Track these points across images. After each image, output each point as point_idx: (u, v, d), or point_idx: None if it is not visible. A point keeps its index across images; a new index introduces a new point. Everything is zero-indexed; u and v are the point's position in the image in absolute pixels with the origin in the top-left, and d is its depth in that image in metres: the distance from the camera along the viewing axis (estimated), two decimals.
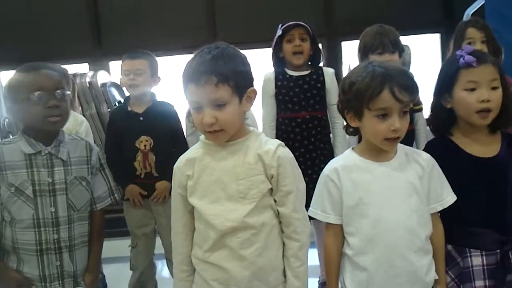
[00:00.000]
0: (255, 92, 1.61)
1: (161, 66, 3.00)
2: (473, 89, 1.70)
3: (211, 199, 1.60)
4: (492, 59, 1.76)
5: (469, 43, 2.73)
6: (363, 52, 2.67)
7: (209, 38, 4.74)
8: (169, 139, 2.82)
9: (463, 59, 1.71)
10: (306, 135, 2.79)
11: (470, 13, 4.41)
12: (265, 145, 1.62)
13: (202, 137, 1.66)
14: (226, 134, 1.58)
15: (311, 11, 4.81)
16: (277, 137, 2.81)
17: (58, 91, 1.93)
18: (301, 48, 2.80)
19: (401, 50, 2.72)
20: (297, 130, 2.79)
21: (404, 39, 4.24)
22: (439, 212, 1.71)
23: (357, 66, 1.68)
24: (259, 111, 2.92)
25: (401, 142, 1.76)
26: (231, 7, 4.83)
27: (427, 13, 4.75)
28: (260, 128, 2.84)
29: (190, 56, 1.58)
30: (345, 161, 1.70)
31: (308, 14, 4.75)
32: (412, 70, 3.70)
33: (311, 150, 2.79)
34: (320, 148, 2.79)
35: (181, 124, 2.93)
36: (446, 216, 1.74)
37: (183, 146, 2.56)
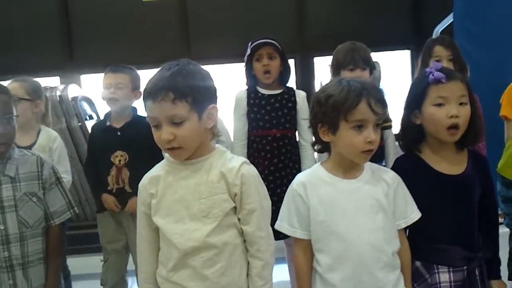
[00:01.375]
0: (216, 109, 1.61)
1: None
2: (442, 105, 1.72)
3: (174, 218, 1.59)
4: (460, 76, 1.80)
5: (437, 61, 2.76)
6: (335, 68, 2.71)
7: (183, 52, 4.74)
8: (146, 155, 2.78)
9: (433, 75, 1.74)
10: (277, 153, 2.80)
11: (440, 30, 4.51)
12: (229, 163, 1.61)
13: (167, 155, 1.65)
14: (185, 152, 1.57)
15: (284, 26, 4.86)
16: (248, 155, 2.83)
17: (6, 116, 1.90)
18: (269, 67, 2.81)
19: (372, 66, 2.76)
20: (267, 148, 2.80)
21: (375, 55, 4.34)
22: (406, 228, 1.72)
23: (330, 82, 1.70)
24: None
25: (371, 158, 1.77)
26: (205, 21, 4.85)
27: (398, 30, 4.85)
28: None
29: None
30: (312, 176, 1.70)
31: (282, 29, 4.81)
32: (382, 85, 3.76)
33: (280, 168, 2.80)
34: (290, 167, 2.80)
35: None
36: (414, 232, 1.75)
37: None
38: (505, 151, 1.88)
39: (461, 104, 1.72)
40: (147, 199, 1.64)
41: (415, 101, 1.79)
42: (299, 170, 2.84)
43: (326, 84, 1.69)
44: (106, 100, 2.86)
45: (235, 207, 1.60)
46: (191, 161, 1.61)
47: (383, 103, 1.60)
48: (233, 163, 1.61)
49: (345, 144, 1.62)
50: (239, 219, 1.61)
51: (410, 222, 1.70)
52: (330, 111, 1.60)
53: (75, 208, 2.13)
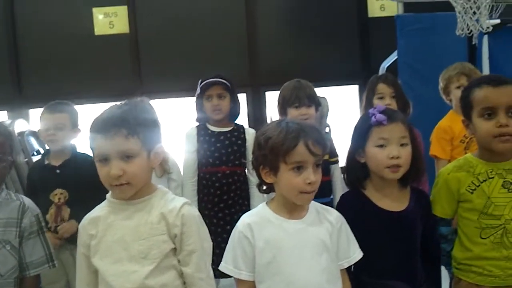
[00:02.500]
0: (162, 149, 1.63)
1: (84, 114, 2.94)
2: (384, 146, 1.78)
3: (113, 260, 1.58)
4: (402, 117, 1.86)
5: (380, 98, 2.87)
6: (282, 105, 2.76)
7: (134, 86, 4.73)
8: (88, 191, 2.74)
9: (375, 117, 1.80)
10: (226, 190, 2.81)
11: (386, 66, 4.67)
12: (170, 203, 1.62)
13: (108, 195, 1.65)
14: (132, 188, 1.57)
15: (236, 61, 4.92)
16: (198, 192, 2.85)
17: None
18: (219, 106, 2.85)
19: (317, 103, 2.82)
20: (217, 184, 2.82)
21: (324, 91, 4.44)
22: (350, 266, 1.75)
23: (270, 123, 1.73)
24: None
25: (319, 193, 1.81)
26: (157, 55, 4.86)
27: (346, 66, 4.98)
28: None
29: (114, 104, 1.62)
30: (258, 216, 1.71)
31: (233, 64, 4.86)
32: (330, 121, 3.84)
33: (230, 205, 2.82)
34: (239, 204, 2.82)
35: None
36: (358, 268, 1.78)
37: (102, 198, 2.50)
38: (433, 188, 1.95)
39: (402, 145, 1.78)
40: (87, 241, 1.62)
41: (358, 141, 1.84)
42: (249, 207, 2.85)
43: (266, 126, 1.72)
44: (46, 141, 2.83)
45: (175, 249, 1.60)
46: (133, 201, 1.61)
47: (322, 144, 1.64)
48: (174, 203, 1.62)
49: (285, 186, 1.64)
50: (178, 261, 1.61)
51: (352, 261, 1.73)
52: (269, 153, 1.62)
53: (55, 262, 2.05)
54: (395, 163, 1.76)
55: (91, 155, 2.79)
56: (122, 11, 4.85)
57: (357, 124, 1.89)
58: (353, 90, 4.96)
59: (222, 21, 4.90)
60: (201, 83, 2.91)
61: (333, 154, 2.87)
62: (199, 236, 1.62)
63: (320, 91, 4.14)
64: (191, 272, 1.59)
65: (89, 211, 1.71)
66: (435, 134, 3.02)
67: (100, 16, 4.87)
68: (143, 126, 1.55)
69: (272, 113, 4.25)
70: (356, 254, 1.73)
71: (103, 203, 1.67)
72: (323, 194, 2.55)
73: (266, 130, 1.69)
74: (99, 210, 1.65)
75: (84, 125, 2.89)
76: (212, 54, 4.82)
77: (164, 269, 1.58)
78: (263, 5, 4.95)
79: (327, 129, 3.75)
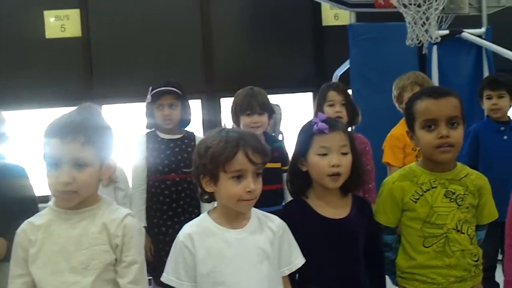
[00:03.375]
0: (114, 162, 1.63)
1: (33, 118, 2.86)
2: (325, 154, 1.79)
3: (52, 270, 1.54)
4: (343, 126, 1.88)
5: (330, 105, 2.90)
6: (234, 113, 2.75)
7: (85, 91, 4.65)
8: (15, 204, 2.62)
9: (317, 126, 1.81)
10: (175, 198, 2.78)
11: (339, 74, 4.75)
12: (112, 214, 1.60)
13: (50, 203, 1.61)
14: (79, 197, 1.55)
15: (191, 67, 4.90)
16: (147, 200, 2.81)
17: None
18: (170, 116, 2.82)
19: (270, 111, 2.81)
20: (166, 192, 2.78)
21: (278, 98, 4.47)
22: (295, 273, 1.74)
23: (211, 132, 1.72)
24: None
25: (270, 201, 1.81)
26: (110, 60, 4.79)
27: (300, 73, 5.02)
28: None
29: (66, 109, 1.62)
30: (199, 226, 1.69)
31: (188, 70, 4.84)
32: (284, 128, 3.87)
33: (179, 213, 2.78)
34: (189, 212, 2.78)
35: (31, 188, 2.73)
36: (302, 277, 1.78)
37: (33, 210, 2.39)
38: (378, 197, 1.97)
39: (343, 153, 1.79)
40: (26, 246, 1.57)
41: (301, 150, 1.85)
42: (199, 215, 2.82)
43: (207, 136, 1.71)
44: None
45: (115, 260, 1.58)
46: (77, 211, 1.58)
47: (262, 152, 1.63)
48: (116, 214, 1.61)
49: (225, 195, 1.63)
50: (116, 272, 1.58)
51: (294, 268, 1.72)
52: (209, 162, 1.61)
53: None
54: (336, 171, 1.77)
55: (20, 166, 2.68)
56: (74, 14, 4.77)
57: (299, 133, 1.90)
58: (307, 97, 5.00)
59: (177, 27, 4.88)
60: (151, 90, 2.87)
61: (286, 162, 2.87)
62: (140, 249, 1.61)
63: (274, 98, 4.19)
64: (125, 283, 1.57)
65: (17, 223, 1.64)
66: (388, 141, 3.07)
67: (52, 19, 4.77)
68: (100, 136, 1.55)
69: (226, 120, 4.24)
70: (298, 260, 1.73)
71: (44, 211, 1.63)
72: (275, 202, 2.55)
73: (206, 139, 1.68)
74: (39, 218, 1.61)
75: (16, 132, 2.80)
76: (167, 60, 4.78)
77: (105, 282, 1.56)
78: (218, 11, 4.95)
79: (280, 137, 3.78)
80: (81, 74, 4.77)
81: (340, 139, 1.81)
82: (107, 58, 4.78)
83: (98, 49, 4.78)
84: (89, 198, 1.59)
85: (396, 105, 3.13)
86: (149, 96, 2.86)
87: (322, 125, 1.80)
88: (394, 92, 3.12)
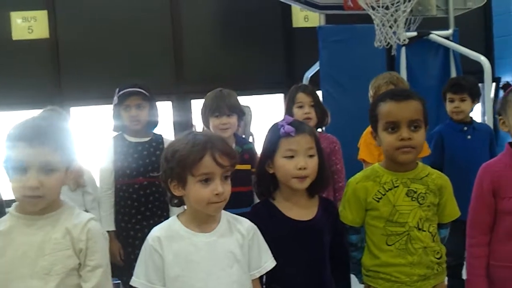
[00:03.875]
0: (78, 166, 1.62)
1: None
2: (291, 157, 1.80)
3: (14, 276, 1.53)
4: (309, 128, 1.89)
5: (299, 107, 2.92)
6: (204, 114, 2.75)
7: (53, 93, 4.59)
8: None
9: (283, 129, 1.82)
10: (144, 201, 2.76)
11: (309, 76, 4.78)
12: (75, 218, 1.60)
13: (11, 209, 1.59)
14: (45, 202, 1.55)
15: (161, 69, 4.87)
16: (115, 204, 2.79)
17: None
18: (137, 117, 2.79)
19: (239, 113, 2.81)
20: (134, 196, 2.76)
21: (249, 99, 4.48)
22: (262, 276, 1.76)
23: (179, 136, 1.72)
24: None
25: (240, 203, 1.81)
26: (78, 62, 4.72)
27: (271, 75, 5.04)
28: None
29: (35, 111, 1.60)
30: (168, 230, 1.68)
31: (159, 72, 4.82)
32: (254, 130, 3.87)
33: (148, 216, 2.76)
34: (158, 215, 2.76)
35: None
36: (269, 278, 1.79)
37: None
38: (342, 197, 2.00)
39: (309, 156, 1.81)
40: None
41: (268, 152, 1.86)
42: (168, 218, 2.81)
43: (174, 139, 1.71)
44: None
45: (79, 265, 1.58)
46: (40, 216, 1.58)
47: (229, 155, 1.63)
48: (79, 218, 1.61)
49: (194, 198, 1.63)
50: (80, 277, 1.58)
51: (264, 271, 1.73)
52: (177, 166, 1.61)
53: None
54: (302, 174, 1.78)
55: None
56: (41, 15, 4.70)
57: (266, 135, 1.91)
58: (278, 98, 5.02)
59: (147, 28, 4.84)
60: (118, 91, 2.85)
61: (256, 164, 2.88)
62: (104, 253, 1.61)
63: (245, 100, 4.19)
64: (90, 287, 1.57)
65: None
66: (364, 138, 3.10)
67: (19, 21, 4.69)
68: (66, 141, 1.57)
69: (197, 121, 4.24)
70: (268, 263, 1.73)
71: (5, 217, 1.62)
72: (245, 204, 2.54)
73: (174, 143, 1.68)
74: (0, 224, 1.59)
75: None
76: (136, 62, 4.75)
77: (69, 287, 1.55)
78: (189, 12, 4.93)
79: (250, 138, 3.78)
80: (49, 76, 4.69)
81: (306, 141, 1.82)
82: (76, 59, 4.71)
83: (67, 50, 4.72)
84: (52, 203, 1.59)
85: None
86: (115, 98, 2.83)
87: (289, 128, 1.81)
88: (370, 92, 3.16)
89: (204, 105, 2.76)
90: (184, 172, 1.60)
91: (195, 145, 1.60)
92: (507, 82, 2.09)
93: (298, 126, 1.84)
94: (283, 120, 1.86)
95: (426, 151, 2.99)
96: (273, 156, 1.83)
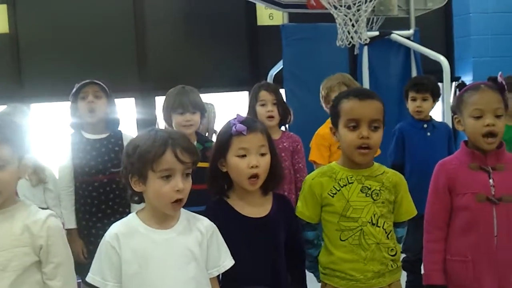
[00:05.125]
0: (33, 159, 1.66)
1: None
2: (243, 156, 1.82)
3: None
4: (261, 127, 1.91)
5: (262, 105, 2.94)
6: (166, 111, 2.73)
7: (15, 89, 4.48)
8: None
9: (235, 127, 1.83)
10: (104, 199, 2.74)
11: (273, 74, 4.80)
12: (34, 215, 1.59)
13: None
14: (2, 197, 1.55)
15: (124, 65, 4.81)
16: (76, 202, 2.77)
17: None
18: (94, 105, 2.76)
19: (202, 110, 2.81)
20: (94, 194, 2.73)
21: (213, 97, 4.47)
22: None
23: (141, 132, 1.72)
24: None
25: (203, 199, 1.83)
26: (40, 57, 4.61)
27: (236, 72, 5.04)
28: None
29: None
30: (126, 227, 1.68)
31: (122, 68, 4.75)
32: (217, 127, 3.87)
33: (109, 214, 2.73)
34: (120, 212, 2.73)
35: None
36: (225, 276, 1.80)
37: None
38: (300, 194, 2.03)
39: (261, 154, 1.83)
40: None
41: (220, 151, 1.87)
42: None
43: (136, 136, 1.72)
44: None
45: (38, 262, 1.57)
46: None
47: (191, 152, 1.64)
48: (39, 215, 1.60)
49: (154, 194, 1.63)
50: (44, 275, 1.58)
51: (222, 270, 1.74)
52: (137, 161, 1.61)
53: None
54: (254, 173, 1.80)
55: None
56: (1, 9, 4.58)
57: (219, 134, 1.92)
58: (242, 96, 5.03)
59: (110, 25, 4.77)
60: (77, 85, 2.83)
61: None
62: (66, 249, 1.62)
63: (209, 97, 4.19)
64: (59, 285, 1.59)
65: None
66: (314, 140, 3.14)
67: None
68: (16, 134, 1.57)
69: (158, 120, 4.21)
70: (226, 262, 1.75)
71: None
72: (206, 202, 2.55)
73: (135, 139, 1.69)
74: None
75: None
76: (99, 58, 4.67)
77: (26, 284, 1.54)
78: (152, 8, 4.87)
79: (214, 136, 3.78)
80: (9, 72, 4.57)
81: (258, 140, 1.84)
82: (37, 55, 4.61)
83: (27, 46, 4.60)
84: (7, 199, 1.58)
85: (323, 105, 3.20)
86: (74, 91, 2.81)
87: (240, 127, 1.82)
88: (322, 92, 3.19)
89: (166, 102, 2.75)
90: (145, 168, 1.60)
91: (156, 140, 1.60)
92: (462, 81, 2.14)
93: (250, 125, 1.85)
94: (235, 118, 1.87)
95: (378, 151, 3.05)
96: (226, 154, 1.85)
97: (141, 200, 1.72)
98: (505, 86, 2.04)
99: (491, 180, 1.97)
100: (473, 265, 1.97)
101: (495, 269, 1.96)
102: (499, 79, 2.04)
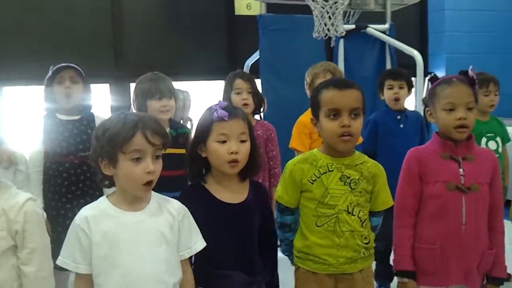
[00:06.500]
0: (7, 144, 1.58)
1: None
2: (224, 141, 1.82)
3: None
4: (242, 114, 1.92)
5: (238, 93, 2.95)
6: (141, 98, 2.71)
7: None
8: None
9: (216, 113, 1.83)
10: (74, 180, 2.71)
11: (250, 64, 4.80)
12: (13, 199, 1.59)
13: None
14: None
15: (100, 50, 4.76)
16: (44, 182, 2.74)
17: None
18: (70, 90, 2.74)
19: (176, 96, 2.81)
20: (64, 175, 2.71)
21: (189, 85, 4.46)
22: (192, 256, 1.79)
23: (110, 116, 1.71)
24: None
25: (176, 186, 1.87)
26: (13, 41, 4.53)
27: (213, 61, 5.04)
28: None
29: None
30: (96, 209, 1.68)
31: (97, 53, 4.70)
32: (192, 114, 3.87)
33: (79, 195, 2.71)
34: (90, 195, 2.72)
35: None
36: (199, 259, 1.82)
37: None
38: (280, 178, 2.05)
39: (241, 141, 1.84)
40: None
41: (201, 136, 1.87)
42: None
43: (106, 119, 1.71)
44: None
45: (15, 246, 1.56)
46: None
47: (161, 134, 1.64)
48: (16, 199, 1.59)
49: (124, 176, 1.63)
50: (19, 259, 1.58)
51: (194, 252, 1.76)
52: (107, 144, 1.61)
53: None
54: (234, 158, 1.81)
55: None
56: None
57: (199, 119, 1.92)
58: (219, 85, 5.02)
59: (86, 9, 4.71)
60: (53, 67, 2.79)
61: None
62: (42, 234, 1.62)
63: (185, 85, 4.18)
64: (33, 271, 1.58)
65: None
66: (296, 128, 3.16)
67: None
68: None
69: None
70: (197, 244, 1.76)
71: None
72: (179, 187, 2.54)
73: (105, 122, 1.68)
74: None
75: None
76: (74, 43, 4.62)
77: (3, 268, 1.55)
78: None
79: (189, 124, 3.78)
80: None
81: (239, 126, 1.85)
82: (10, 38, 4.53)
83: (0, 28, 4.53)
84: None
85: (308, 92, 3.21)
86: (50, 72, 2.77)
87: (222, 112, 1.83)
88: (307, 79, 3.20)
89: (140, 88, 2.74)
90: (115, 150, 1.60)
91: (126, 123, 1.61)
92: (434, 74, 2.18)
93: (232, 111, 1.86)
94: (217, 104, 1.88)
95: (360, 139, 3.09)
96: (206, 140, 1.85)
97: (111, 184, 1.72)
98: (476, 80, 2.09)
99: (461, 170, 2.02)
100: (441, 252, 2.02)
101: (462, 256, 2.02)
102: (470, 73, 2.08)
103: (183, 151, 2.65)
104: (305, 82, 3.22)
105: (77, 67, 2.80)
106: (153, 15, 4.96)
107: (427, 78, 2.30)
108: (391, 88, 3.28)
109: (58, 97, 2.75)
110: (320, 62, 3.29)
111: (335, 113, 1.90)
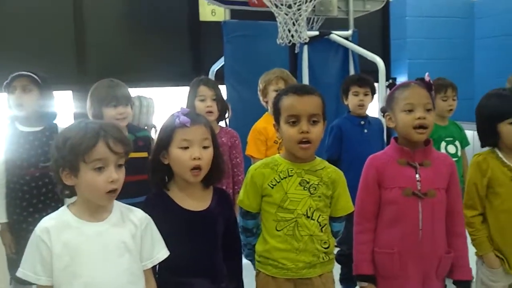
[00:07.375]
0: None
1: None
2: (186, 148, 1.83)
3: None
4: (205, 120, 1.93)
5: (201, 100, 2.95)
6: (97, 106, 2.68)
7: None
8: None
9: (178, 119, 1.84)
10: (36, 193, 2.67)
11: (215, 70, 4.81)
12: None
13: None
14: None
15: (62, 57, 4.69)
16: (7, 196, 2.69)
17: None
18: (20, 99, 2.69)
19: (132, 102, 2.80)
20: (25, 188, 2.66)
21: (153, 91, 4.44)
22: (156, 265, 1.78)
23: (70, 124, 1.69)
24: None
25: (138, 191, 1.93)
26: None
27: (178, 67, 5.02)
28: None
29: None
30: (57, 220, 1.66)
31: (59, 60, 4.63)
32: (156, 120, 3.85)
33: (40, 209, 2.66)
34: (52, 207, 2.65)
35: None
36: (162, 268, 1.81)
37: None
38: (243, 183, 2.07)
39: (204, 147, 1.85)
40: None
41: (163, 142, 1.87)
42: None
43: (65, 128, 1.69)
44: None
45: None
46: None
47: (123, 142, 1.64)
48: None
49: (87, 186, 1.62)
50: None
51: (156, 261, 1.75)
52: (69, 154, 1.59)
53: None
54: (197, 164, 1.82)
55: None
56: None
57: (162, 126, 1.92)
58: (184, 91, 5.00)
59: (48, 15, 4.62)
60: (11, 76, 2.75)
61: None
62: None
63: (149, 92, 4.15)
64: None
65: None
66: (251, 135, 3.18)
67: None
68: None
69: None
70: (160, 253, 1.75)
71: None
72: (142, 192, 2.51)
73: (65, 131, 1.66)
74: None
75: None
76: (36, 49, 4.53)
77: None
78: (93, 1, 4.78)
79: (153, 130, 3.76)
80: None
81: (201, 132, 1.85)
82: None
83: None
84: None
85: (261, 98, 3.25)
86: (6, 82, 2.73)
87: (184, 119, 1.84)
88: (260, 86, 3.23)
89: (96, 95, 2.70)
90: (77, 160, 1.59)
91: (88, 132, 1.59)
92: (392, 80, 2.24)
93: (194, 117, 1.87)
94: (179, 111, 1.88)
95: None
96: (168, 146, 1.85)
97: (72, 194, 1.70)
98: (432, 86, 2.14)
99: (417, 176, 2.05)
100: (399, 257, 2.05)
101: (420, 260, 2.05)
102: (427, 78, 2.14)
103: (145, 154, 2.65)
104: (258, 89, 3.25)
105: (31, 74, 2.72)
106: (117, 21, 4.91)
107: (385, 85, 2.35)
108: (356, 95, 3.33)
109: (11, 105, 2.71)
110: (275, 68, 3.31)
111: (294, 120, 1.92)
